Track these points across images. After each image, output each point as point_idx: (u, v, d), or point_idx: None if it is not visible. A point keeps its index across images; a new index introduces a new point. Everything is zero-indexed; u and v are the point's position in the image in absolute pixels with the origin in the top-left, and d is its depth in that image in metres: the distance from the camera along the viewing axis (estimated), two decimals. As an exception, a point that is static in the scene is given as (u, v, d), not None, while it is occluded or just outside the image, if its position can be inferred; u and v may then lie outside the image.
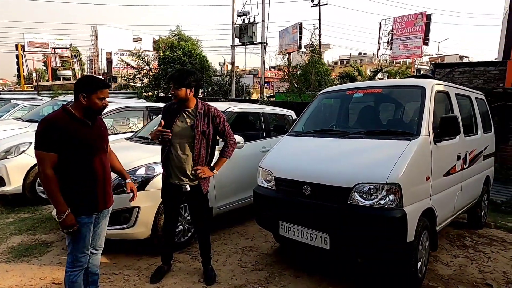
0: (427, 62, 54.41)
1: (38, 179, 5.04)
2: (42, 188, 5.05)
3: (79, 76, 40.97)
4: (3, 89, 22.82)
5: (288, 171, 3.12)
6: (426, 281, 3.05)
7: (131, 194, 2.69)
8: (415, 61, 34.30)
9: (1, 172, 4.90)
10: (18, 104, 9.68)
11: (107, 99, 2.30)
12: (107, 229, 3.19)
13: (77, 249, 2.27)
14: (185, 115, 2.87)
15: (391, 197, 2.57)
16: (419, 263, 2.83)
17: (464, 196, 3.73)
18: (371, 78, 21.76)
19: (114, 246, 3.44)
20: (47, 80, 41.94)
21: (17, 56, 22.87)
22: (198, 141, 2.87)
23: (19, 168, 4.96)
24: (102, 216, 2.44)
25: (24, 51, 29.18)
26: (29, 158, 4.98)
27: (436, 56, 48.62)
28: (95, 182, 2.28)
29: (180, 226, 3.63)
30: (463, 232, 4.37)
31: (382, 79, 24.77)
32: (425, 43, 26.78)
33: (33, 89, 21.80)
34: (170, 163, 2.88)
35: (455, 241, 4.07)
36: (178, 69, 2.90)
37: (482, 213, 4.57)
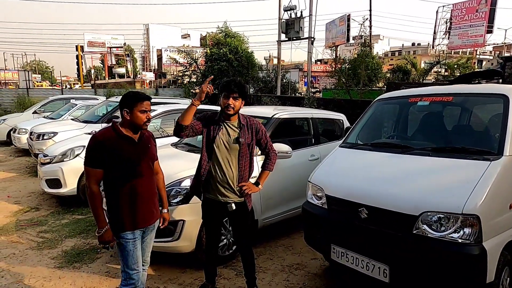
0: (490, 52, 49.66)
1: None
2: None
3: (132, 74, 43.26)
4: (65, 87, 24.61)
5: (342, 190, 2.83)
6: (505, 324, 2.62)
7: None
8: (476, 51, 31.42)
9: (58, 175, 5.15)
10: (76, 104, 10.29)
11: (150, 112, 2.30)
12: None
13: (127, 266, 2.30)
14: (228, 128, 2.70)
15: (467, 230, 2.19)
16: (499, 305, 2.42)
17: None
18: (427, 71, 20.24)
19: (159, 257, 3.41)
20: (104, 77, 44.74)
21: (77, 56, 24.54)
22: (243, 155, 2.70)
23: (74, 171, 5.17)
24: (147, 232, 2.43)
25: (83, 51, 31.29)
26: (83, 161, 5.16)
27: (502, 45, 44.11)
28: (138, 199, 2.27)
29: (225, 240, 3.50)
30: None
31: (439, 72, 23.01)
32: (489, 31, 24.34)
33: (91, 87, 23.26)
34: (212, 179, 2.72)
35: (537, 270, 3.50)
36: (232, 79, 2.69)
37: None
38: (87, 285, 3.16)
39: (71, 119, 8.53)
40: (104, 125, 6.62)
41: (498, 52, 46.71)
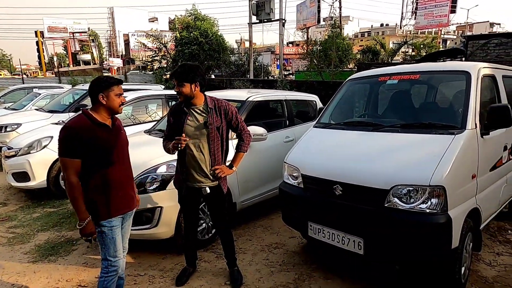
0: (454, 31, 51.41)
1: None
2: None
3: (98, 60, 41.43)
4: (27, 76, 23.24)
5: (317, 169, 2.90)
6: (469, 285, 2.83)
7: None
8: (441, 30, 32.44)
9: (25, 167, 4.93)
10: (40, 94, 9.78)
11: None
12: (130, 230, 3.17)
13: (109, 254, 2.27)
14: (195, 113, 2.67)
15: (434, 200, 2.32)
16: (463, 268, 2.60)
17: (509, 188, 3.42)
18: (395, 51, 20.72)
19: (138, 245, 3.38)
20: (68, 65, 42.58)
21: (37, 42, 23.15)
22: (214, 139, 2.69)
23: (42, 162, 4.97)
24: (126, 218, 2.41)
25: (43, 37, 29.51)
26: (52, 153, 4.97)
27: (465, 24, 45.72)
28: (118, 185, 2.25)
29: (204, 224, 3.52)
30: (504, 224, 4.06)
31: (407, 52, 23.62)
32: (453, 11, 25.18)
33: (54, 76, 22.11)
34: (186, 166, 2.70)
35: (496, 235, 3.78)
36: (180, 65, 2.67)
37: (526, 203, 4.22)
38: (64, 278, 3.10)
39: (35, 109, 8.12)
40: (72, 114, 6.35)
41: (461, 31, 48.46)
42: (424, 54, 15.93)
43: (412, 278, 2.95)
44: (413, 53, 21.62)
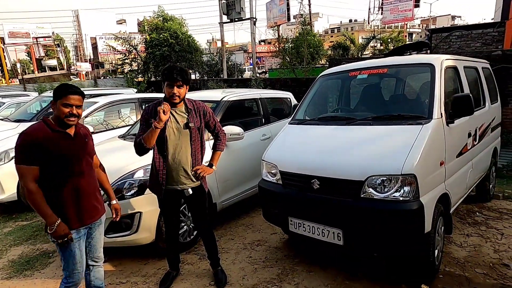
0: (419, 25, 53.36)
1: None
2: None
3: (66, 65, 39.96)
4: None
5: (294, 165, 2.95)
6: (443, 267, 2.98)
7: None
8: (406, 24, 33.59)
9: (-8, 180, 4.71)
10: (4, 102, 9.33)
11: (80, 109, 2.14)
12: (110, 237, 3.12)
13: (68, 266, 2.20)
14: (175, 115, 2.65)
15: (406, 188, 2.42)
16: (436, 251, 2.74)
17: (475, 173, 3.62)
18: (364, 46, 21.29)
19: (118, 252, 3.32)
20: (33, 71, 40.76)
21: (-3, 49, 22.04)
22: (195, 139, 2.70)
23: (11, 174, 4.72)
24: (94, 227, 2.33)
25: (4, 43, 28.14)
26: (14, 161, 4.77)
27: (428, 18, 47.56)
28: (80, 196, 2.17)
29: (185, 226, 3.51)
30: (472, 207, 4.30)
31: (375, 46, 24.31)
32: (416, 5, 26.20)
33: (18, 83, 21.13)
34: (166, 168, 2.67)
35: (465, 218, 3.99)
36: (173, 66, 2.59)
37: (491, 185, 4.48)
38: (42, 292, 3.00)
39: (0, 119, 7.75)
40: (40, 122, 6.12)
41: (425, 25, 50.36)
42: (392, 48, 16.47)
43: (389, 263, 3.07)
44: (382, 47, 22.31)
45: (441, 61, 3.04)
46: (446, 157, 2.80)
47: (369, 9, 29.15)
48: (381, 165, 2.50)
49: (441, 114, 2.76)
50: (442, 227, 2.91)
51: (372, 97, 3.41)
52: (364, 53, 20.60)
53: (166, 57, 16.04)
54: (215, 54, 20.24)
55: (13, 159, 4.75)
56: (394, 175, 2.43)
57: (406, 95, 3.55)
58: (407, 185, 2.42)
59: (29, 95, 10.64)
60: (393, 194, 2.45)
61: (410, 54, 4.04)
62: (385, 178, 2.47)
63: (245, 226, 4.12)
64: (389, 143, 2.65)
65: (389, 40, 22.46)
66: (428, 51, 4.14)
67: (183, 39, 16.39)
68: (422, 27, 50.64)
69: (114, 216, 2.49)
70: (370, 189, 2.51)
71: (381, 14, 28.09)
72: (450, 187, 2.89)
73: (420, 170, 2.43)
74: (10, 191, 4.76)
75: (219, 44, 21.62)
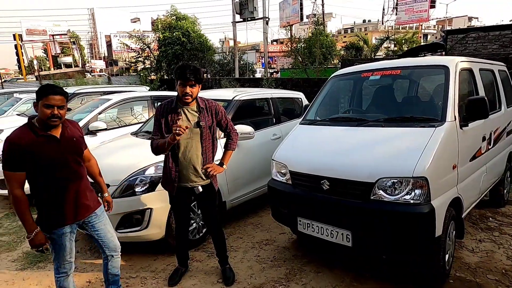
0: (434, 26, 52.50)
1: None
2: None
3: (80, 63, 40.64)
4: (5, 81, 22.60)
5: (304, 165, 2.95)
6: (453, 272, 2.94)
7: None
8: (421, 25, 33.10)
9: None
10: (21, 98, 9.55)
11: (63, 109, 2.09)
12: (121, 232, 3.18)
13: (58, 258, 2.29)
14: (187, 113, 2.67)
15: (418, 191, 2.40)
16: (447, 256, 2.70)
17: (489, 177, 3.56)
18: (378, 47, 21.05)
19: (129, 247, 3.37)
20: (49, 68, 41.59)
21: (15, 46, 22.56)
22: (206, 138, 2.72)
23: (26, 168, 4.87)
24: (92, 221, 2.36)
25: (22, 40, 28.76)
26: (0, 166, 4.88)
27: (444, 19, 46.73)
28: (69, 196, 2.19)
29: (194, 224, 3.54)
30: (485, 212, 4.22)
31: (389, 47, 24.01)
32: (432, 5, 25.81)
33: (35, 79, 21.59)
34: (177, 166, 2.71)
35: (478, 223, 3.92)
36: (187, 65, 2.59)
37: (505, 190, 4.39)
38: (54, 284, 3.04)
39: (17, 114, 7.94)
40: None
41: (441, 26, 49.52)
42: (406, 49, 16.26)
43: (399, 266, 3.04)
44: (395, 48, 22.01)
45: (456, 63, 3.00)
46: (459, 161, 2.76)
47: (383, 9, 28.72)
48: (392, 167, 2.48)
49: (455, 117, 2.72)
50: (454, 232, 2.87)
51: (385, 99, 3.38)
52: (377, 54, 20.38)
53: (178, 56, 16.17)
54: (227, 53, 20.31)
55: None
56: (405, 178, 2.41)
57: (419, 97, 3.51)
58: (418, 188, 2.40)
59: (45, 91, 10.85)
60: (404, 197, 2.43)
61: (424, 56, 4.00)
62: (396, 181, 2.45)
63: (254, 225, 4.13)
64: (401, 145, 2.62)
65: (403, 41, 22.13)
66: (443, 53, 4.08)
67: (195, 38, 16.50)
68: (438, 28, 49.82)
69: (106, 208, 2.56)
70: (380, 191, 2.49)
71: (396, 14, 27.75)
72: (462, 191, 2.85)
73: (431, 173, 2.40)
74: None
75: (231, 43, 21.69)
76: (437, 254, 2.52)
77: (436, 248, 2.48)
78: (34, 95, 8.61)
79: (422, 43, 25.13)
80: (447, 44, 9.79)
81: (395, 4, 27.89)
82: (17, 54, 22.81)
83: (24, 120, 6.41)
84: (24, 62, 26.87)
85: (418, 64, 3.31)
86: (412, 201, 2.41)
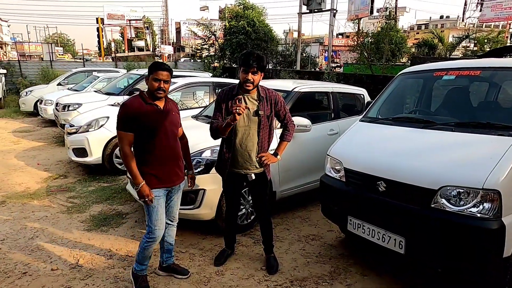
0: (525, 25, 46.58)
1: (116, 151, 5.43)
2: (118, 159, 5.44)
3: (151, 47, 43.22)
4: (87, 60, 24.92)
5: (360, 163, 2.84)
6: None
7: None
8: (510, 24, 29.55)
9: (84, 144, 5.36)
10: (98, 77, 10.48)
11: (168, 84, 2.44)
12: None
13: (151, 221, 2.51)
14: (247, 101, 2.70)
15: (487, 205, 2.18)
16: (514, 279, 2.43)
17: None
18: (454, 46, 19.29)
19: (181, 224, 3.55)
20: (124, 51, 44.93)
21: (97, 29, 24.65)
22: (263, 127, 2.74)
23: (98, 140, 5.37)
24: (173, 192, 2.65)
25: (103, 23, 31.35)
26: (107, 132, 5.37)
27: (539, 17, 41.19)
28: (164, 161, 2.49)
29: (244, 209, 3.62)
30: None
31: (468, 47, 21.89)
32: (526, 2, 22.83)
33: (111, 60, 23.48)
34: (233, 152, 2.77)
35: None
36: (250, 52, 2.61)
37: None
38: (114, 247, 3.36)
39: (94, 91, 8.73)
40: (126, 97, 6.74)
41: (534, 25, 43.77)
42: (488, 49, 14.72)
43: (454, 282, 2.82)
44: (475, 48, 20.01)
45: (550, 67, 2.64)
46: (541, 177, 2.45)
47: (465, 4, 26.16)
48: (459, 175, 2.28)
49: (542, 127, 2.41)
50: (525, 255, 2.57)
51: (458, 101, 3.09)
52: (454, 53, 18.71)
53: (242, 45, 16.42)
54: (290, 44, 20.13)
55: (101, 127, 5.36)
56: (473, 188, 2.21)
57: (500, 102, 3.16)
58: (488, 201, 2.18)
59: (118, 72, 11.78)
60: (470, 209, 2.23)
61: (510, 57, 3.58)
62: (462, 190, 2.26)
63: (302, 219, 4.11)
64: (472, 152, 2.40)
65: (485, 40, 20.02)
66: (534, 55, 3.62)
67: (259, 28, 16.59)
68: (529, 28, 44.16)
69: (189, 184, 2.83)
70: (443, 199, 2.31)
71: (480, 11, 25.10)
72: (541, 211, 2.53)
73: (505, 187, 2.16)
74: (96, 154, 5.39)
75: (295, 34, 21.40)
76: (502, 277, 2.28)
77: (502, 270, 2.25)
78: (109, 74, 9.37)
79: (508, 44, 22.55)
80: (539, 46, 8.64)
81: (479, -1, 25.25)
82: (98, 36, 24.96)
83: (101, 96, 7.01)
84: (103, 44, 29.30)
85: (503, 65, 2.96)
86: (479, 215, 2.20)
